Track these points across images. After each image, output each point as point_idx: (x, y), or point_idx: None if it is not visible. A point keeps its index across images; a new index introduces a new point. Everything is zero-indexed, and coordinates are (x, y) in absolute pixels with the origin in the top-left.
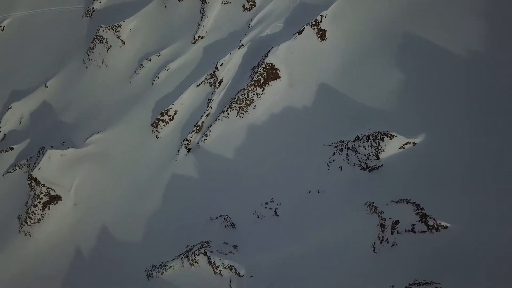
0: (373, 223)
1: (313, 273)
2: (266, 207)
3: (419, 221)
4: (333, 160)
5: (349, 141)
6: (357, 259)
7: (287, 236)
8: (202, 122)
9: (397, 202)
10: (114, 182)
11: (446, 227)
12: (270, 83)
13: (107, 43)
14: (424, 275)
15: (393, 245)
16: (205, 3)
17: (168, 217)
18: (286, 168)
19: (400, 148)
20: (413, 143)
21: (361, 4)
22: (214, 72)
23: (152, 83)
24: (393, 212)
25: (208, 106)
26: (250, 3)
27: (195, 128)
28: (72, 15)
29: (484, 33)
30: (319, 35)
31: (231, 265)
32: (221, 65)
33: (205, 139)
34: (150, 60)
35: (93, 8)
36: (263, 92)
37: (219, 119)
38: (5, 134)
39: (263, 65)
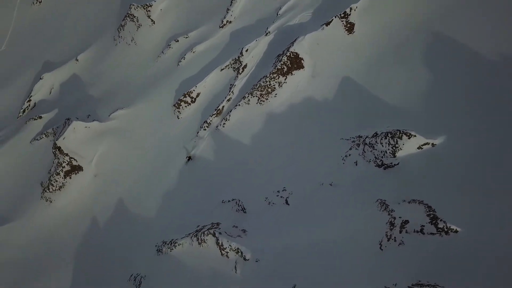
0: (382, 220)
1: (317, 263)
2: (278, 195)
3: (429, 222)
4: (349, 155)
5: (367, 137)
6: (362, 254)
7: (295, 225)
8: (223, 107)
9: (409, 202)
10: (133, 158)
11: (456, 231)
12: (293, 72)
13: (137, 22)
14: (428, 276)
15: (400, 244)
16: None
17: (181, 196)
18: (301, 159)
19: (418, 148)
20: (432, 144)
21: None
22: (238, 57)
23: (178, 64)
24: (404, 212)
25: (230, 91)
26: None
27: (215, 112)
28: None
29: None
30: (347, 28)
31: (238, 248)
32: (246, 51)
33: (224, 123)
34: (178, 41)
35: None
36: (285, 81)
37: (239, 105)
38: (35, 102)
39: (288, 54)
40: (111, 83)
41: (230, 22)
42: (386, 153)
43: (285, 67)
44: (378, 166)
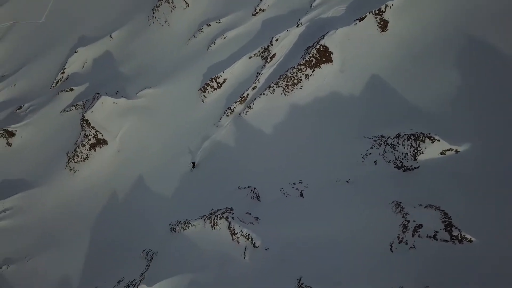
0: (396, 222)
1: (326, 258)
2: (293, 187)
3: (443, 229)
4: (369, 154)
5: (389, 137)
6: (371, 254)
7: (308, 218)
8: (248, 94)
9: (425, 207)
10: (156, 137)
11: (470, 241)
12: (321, 65)
13: (172, 3)
14: (437, 283)
15: (411, 247)
16: None
17: (199, 179)
18: (321, 153)
19: (440, 153)
20: (456, 150)
21: (429, 0)
22: (268, 46)
23: (208, 48)
24: (419, 216)
25: (256, 79)
26: None
27: (240, 99)
28: None
29: None
30: (380, 25)
31: (249, 234)
32: (276, 40)
33: (247, 111)
34: (210, 25)
35: None
36: (312, 74)
37: (264, 94)
38: (68, 75)
39: (317, 47)
40: (141, 62)
41: (263, 10)
42: (407, 155)
43: (313, 59)
44: (398, 167)
